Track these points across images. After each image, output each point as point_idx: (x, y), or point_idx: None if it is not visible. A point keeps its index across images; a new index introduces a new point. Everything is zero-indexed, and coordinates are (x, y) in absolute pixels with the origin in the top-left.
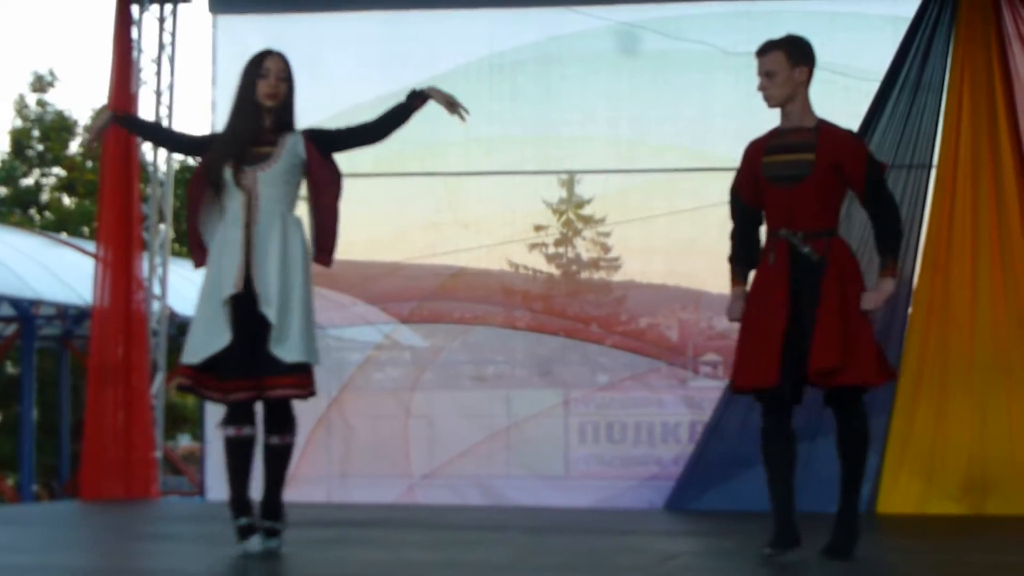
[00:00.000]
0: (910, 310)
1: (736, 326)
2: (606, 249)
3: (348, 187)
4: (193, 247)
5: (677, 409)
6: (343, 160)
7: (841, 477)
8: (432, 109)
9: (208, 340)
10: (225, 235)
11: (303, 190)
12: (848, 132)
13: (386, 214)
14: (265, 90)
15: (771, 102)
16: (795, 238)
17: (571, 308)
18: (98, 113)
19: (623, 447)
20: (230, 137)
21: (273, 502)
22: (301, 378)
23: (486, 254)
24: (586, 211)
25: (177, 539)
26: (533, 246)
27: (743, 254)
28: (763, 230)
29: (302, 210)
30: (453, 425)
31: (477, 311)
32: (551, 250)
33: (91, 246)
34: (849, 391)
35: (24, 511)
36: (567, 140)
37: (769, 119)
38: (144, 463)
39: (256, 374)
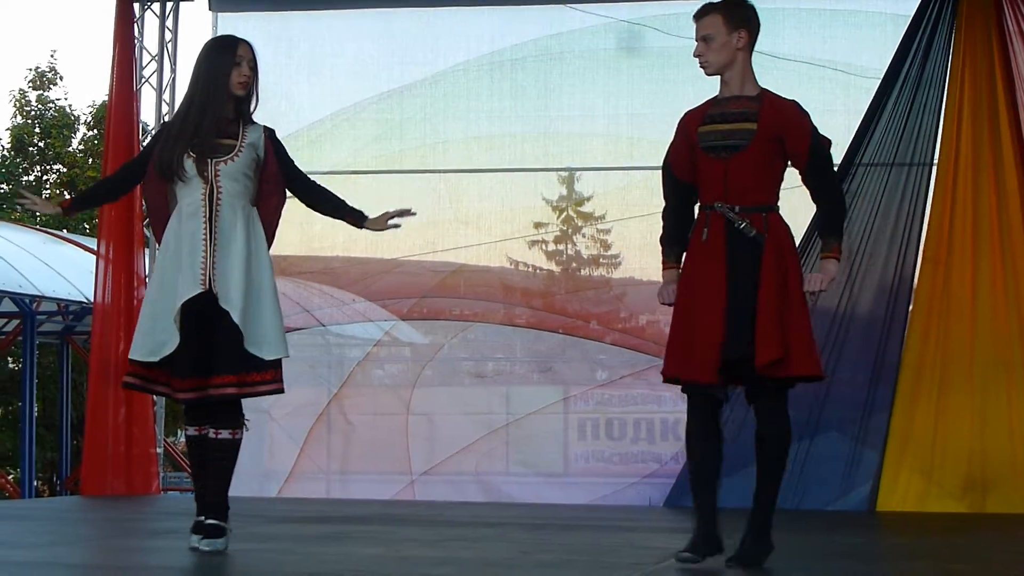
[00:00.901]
0: (911, 307)
1: None
2: (606, 246)
3: (349, 184)
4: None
5: (676, 406)
6: (345, 157)
7: (759, 479)
8: (434, 104)
9: (162, 337)
10: (182, 228)
11: None
12: (792, 102)
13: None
14: (238, 79)
15: (708, 69)
16: (731, 212)
17: (571, 305)
18: (48, 202)
19: (623, 444)
20: (193, 126)
21: (222, 499)
22: (276, 374)
23: (486, 251)
24: (586, 208)
25: (179, 535)
26: (533, 243)
27: (676, 234)
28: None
29: None
30: (453, 422)
31: (477, 308)
32: (551, 247)
33: (92, 242)
34: (778, 385)
35: (25, 507)
36: (567, 137)
37: None
38: (145, 459)
39: (209, 373)
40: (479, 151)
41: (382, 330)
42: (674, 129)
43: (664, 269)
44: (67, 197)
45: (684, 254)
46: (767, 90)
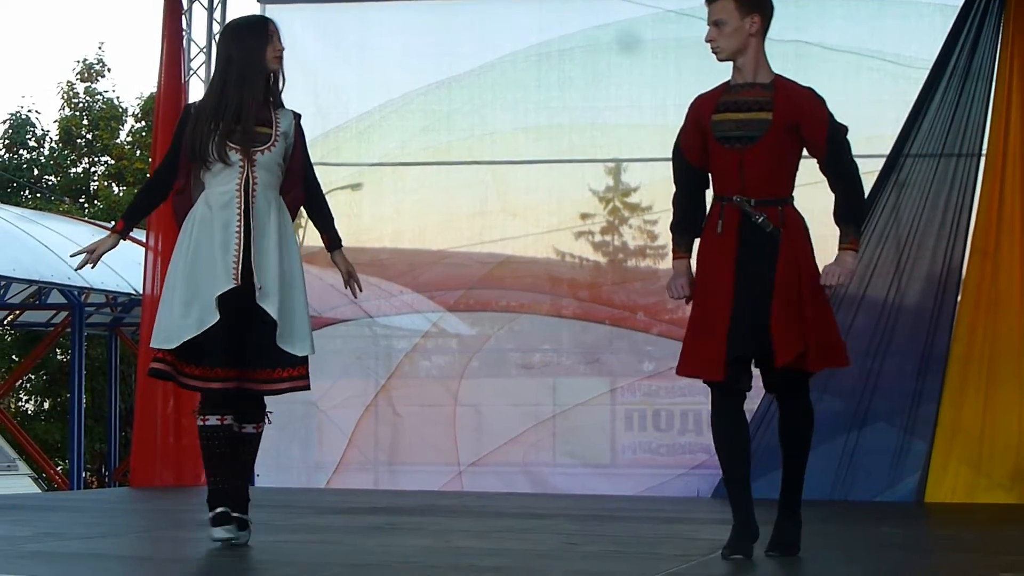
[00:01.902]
0: (959, 298)
1: None
2: (652, 237)
3: (396, 176)
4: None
5: None
6: (393, 148)
7: (785, 468)
8: (482, 95)
9: (187, 323)
10: (214, 218)
11: None
12: (808, 89)
13: (434, 203)
14: (273, 52)
15: (720, 55)
16: (748, 206)
17: (618, 296)
18: (104, 239)
19: (670, 435)
20: (234, 110)
21: (245, 494)
22: (304, 370)
23: (533, 242)
24: (632, 199)
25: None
26: (580, 234)
27: (689, 222)
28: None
29: None
30: (500, 413)
31: (524, 299)
32: (598, 238)
33: (141, 234)
34: (801, 375)
35: (74, 498)
36: (614, 128)
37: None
38: (194, 450)
39: (242, 364)
40: (526, 142)
41: (429, 321)
42: None
43: (675, 259)
44: (115, 224)
45: (698, 243)
46: (781, 76)
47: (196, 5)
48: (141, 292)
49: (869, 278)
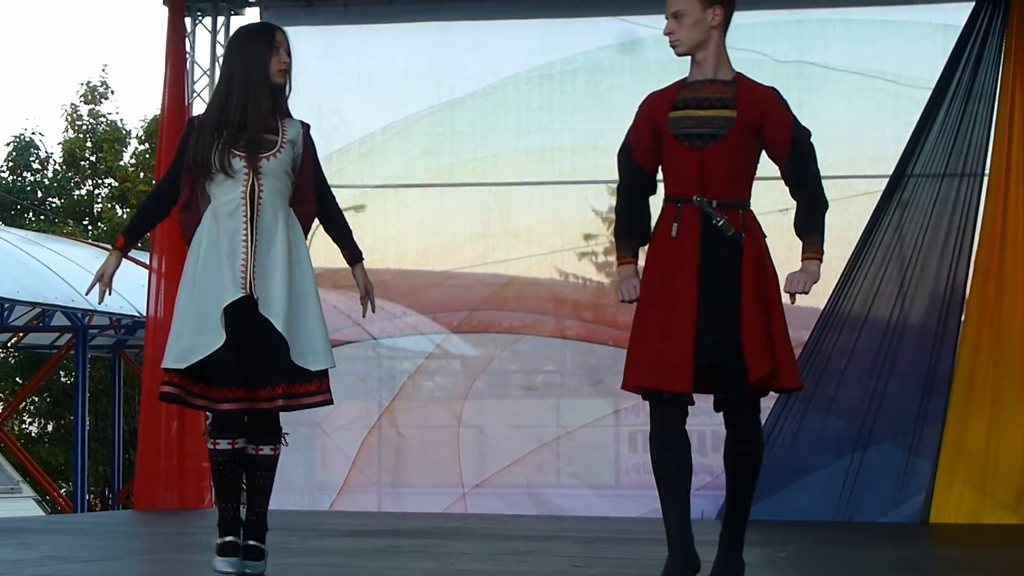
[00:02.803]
0: (962, 318)
1: None
2: None
3: (400, 198)
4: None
5: None
6: (396, 170)
7: (730, 496)
8: (485, 117)
9: (197, 342)
10: (220, 228)
11: None
12: (771, 89)
13: (437, 224)
14: (278, 65)
15: (679, 48)
16: (709, 207)
17: (621, 317)
18: (108, 260)
19: None
20: (236, 119)
21: (263, 520)
22: (323, 384)
23: (536, 263)
24: None
25: None
26: (583, 255)
27: (635, 227)
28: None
29: None
30: (504, 434)
31: (527, 320)
32: (601, 259)
33: (144, 256)
34: (752, 397)
35: (78, 521)
36: (616, 149)
37: (823, 130)
38: (197, 472)
39: (250, 383)
40: (529, 164)
41: (433, 343)
42: None
43: (620, 264)
44: (117, 240)
45: (645, 248)
46: (742, 74)
47: (200, 27)
48: (144, 314)
49: (873, 298)
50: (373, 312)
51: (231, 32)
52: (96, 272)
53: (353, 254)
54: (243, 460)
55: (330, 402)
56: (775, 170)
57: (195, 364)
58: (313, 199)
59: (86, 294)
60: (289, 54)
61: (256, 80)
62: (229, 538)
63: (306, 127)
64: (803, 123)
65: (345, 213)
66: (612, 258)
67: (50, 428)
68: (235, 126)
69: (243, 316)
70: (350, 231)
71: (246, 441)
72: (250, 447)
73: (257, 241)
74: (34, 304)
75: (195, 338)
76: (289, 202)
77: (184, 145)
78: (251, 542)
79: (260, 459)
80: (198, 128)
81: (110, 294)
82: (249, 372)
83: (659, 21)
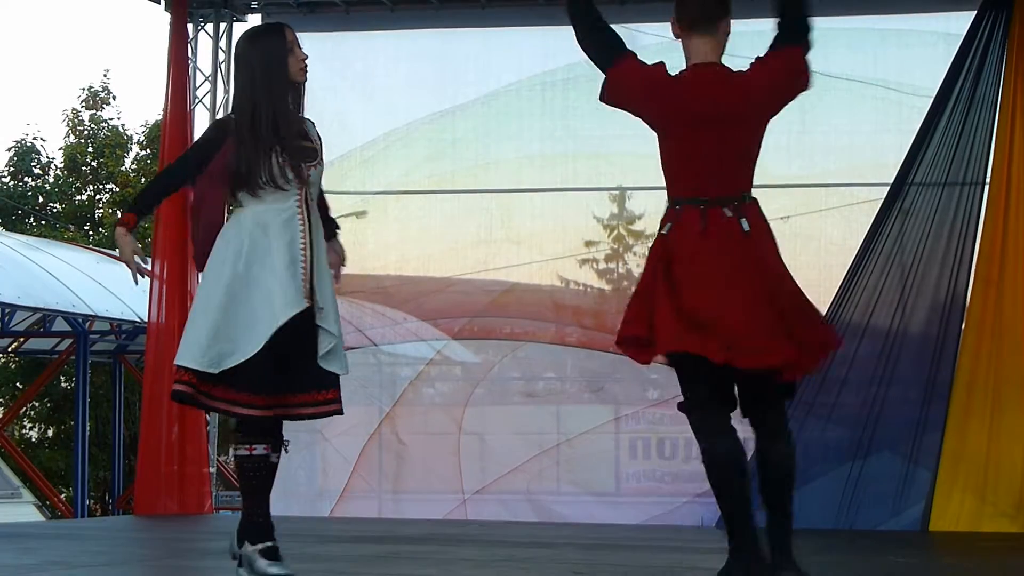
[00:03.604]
0: (963, 326)
1: None
2: None
3: (401, 204)
4: (200, 254)
5: None
6: (397, 177)
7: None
8: (486, 124)
9: (229, 347)
10: (270, 237)
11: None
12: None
13: (439, 231)
14: (297, 64)
15: None
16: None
17: None
18: (122, 244)
19: (674, 463)
20: (270, 128)
21: (270, 521)
22: (339, 393)
23: (537, 270)
24: (637, 226)
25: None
26: (584, 262)
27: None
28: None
29: None
30: (504, 441)
31: (528, 327)
32: (602, 265)
33: (146, 262)
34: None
35: (78, 526)
36: (618, 156)
37: (825, 139)
38: (198, 478)
39: (284, 390)
40: (531, 170)
41: (434, 349)
42: None
43: None
44: (124, 219)
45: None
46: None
47: (202, 33)
48: (145, 320)
49: (874, 306)
50: (338, 283)
51: (234, 38)
52: (125, 257)
53: (330, 229)
54: (272, 466)
55: (341, 412)
56: (774, 177)
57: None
58: (323, 197)
59: (136, 284)
60: (303, 51)
61: (279, 82)
62: (271, 543)
63: (314, 125)
64: (805, 132)
65: (347, 219)
66: (613, 264)
67: (50, 433)
68: (271, 134)
69: (287, 324)
70: (328, 207)
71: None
72: (272, 454)
73: (315, 252)
74: (35, 309)
75: (233, 344)
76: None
77: (209, 142)
78: (271, 543)
79: (273, 465)
80: (237, 136)
81: (143, 276)
82: (280, 379)
83: (660, 28)
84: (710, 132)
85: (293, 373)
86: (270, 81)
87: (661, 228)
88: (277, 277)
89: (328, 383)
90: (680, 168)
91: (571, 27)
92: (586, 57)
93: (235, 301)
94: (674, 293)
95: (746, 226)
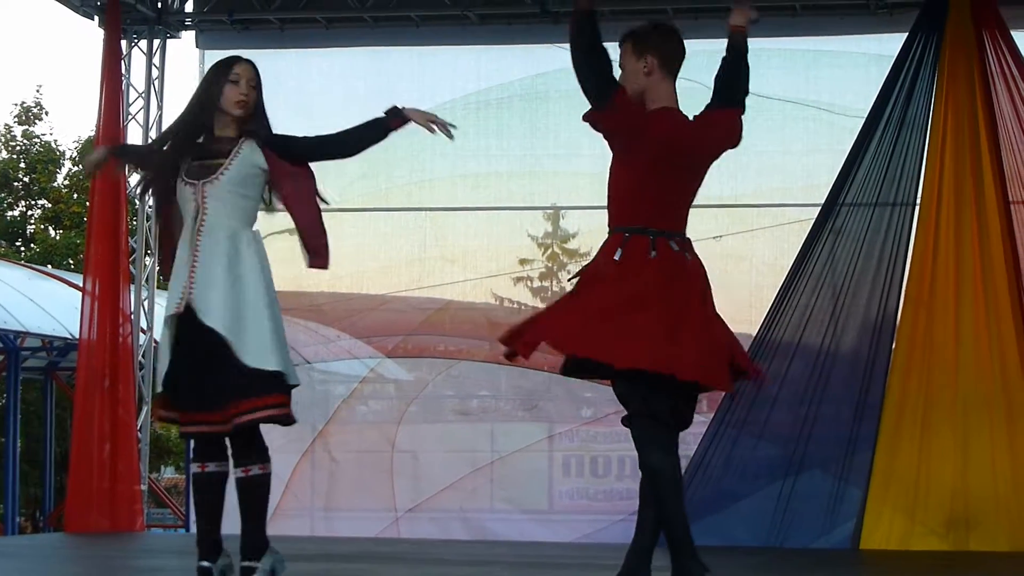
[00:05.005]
0: (893, 346)
1: None
2: None
3: (335, 221)
4: (165, 259)
5: None
6: (331, 194)
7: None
8: (421, 142)
9: (162, 365)
10: (179, 253)
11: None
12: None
13: (372, 248)
14: (235, 97)
15: None
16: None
17: None
18: (90, 151)
19: (607, 481)
20: (178, 148)
21: (252, 539)
22: (277, 398)
23: (472, 288)
24: (571, 245)
25: (164, 572)
26: (518, 280)
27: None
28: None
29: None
30: (437, 459)
31: (462, 345)
32: (536, 283)
33: (77, 279)
34: None
35: (8, 543)
36: (552, 175)
37: (758, 159)
38: (130, 496)
39: (219, 406)
40: (465, 189)
41: (367, 367)
42: None
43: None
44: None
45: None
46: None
47: (135, 50)
48: (77, 336)
49: (805, 325)
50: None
51: (168, 55)
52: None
53: (389, 113)
54: (219, 483)
55: (291, 421)
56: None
57: (173, 388)
58: (302, 193)
59: (86, 175)
60: (253, 85)
61: (201, 111)
62: (204, 563)
63: (266, 138)
64: (737, 152)
65: (280, 236)
66: (547, 283)
67: None
68: (172, 154)
69: (200, 338)
70: (357, 128)
71: (225, 464)
72: (238, 470)
73: (199, 263)
74: None
75: (162, 361)
76: (248, 221)
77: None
78: (244, 563)
79: (246, 480)
80: (168, 144)
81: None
82: (214, 393)
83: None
84: (674, 171)
85: (212, 387)
86: (195, 109)
87: (611, 254)
88: (171, 290)
89: (259, 389)
90: (637, 200)
91: (505, 47)
92: (520, 77)
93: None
94: (638, 311)
95: (689, 259)
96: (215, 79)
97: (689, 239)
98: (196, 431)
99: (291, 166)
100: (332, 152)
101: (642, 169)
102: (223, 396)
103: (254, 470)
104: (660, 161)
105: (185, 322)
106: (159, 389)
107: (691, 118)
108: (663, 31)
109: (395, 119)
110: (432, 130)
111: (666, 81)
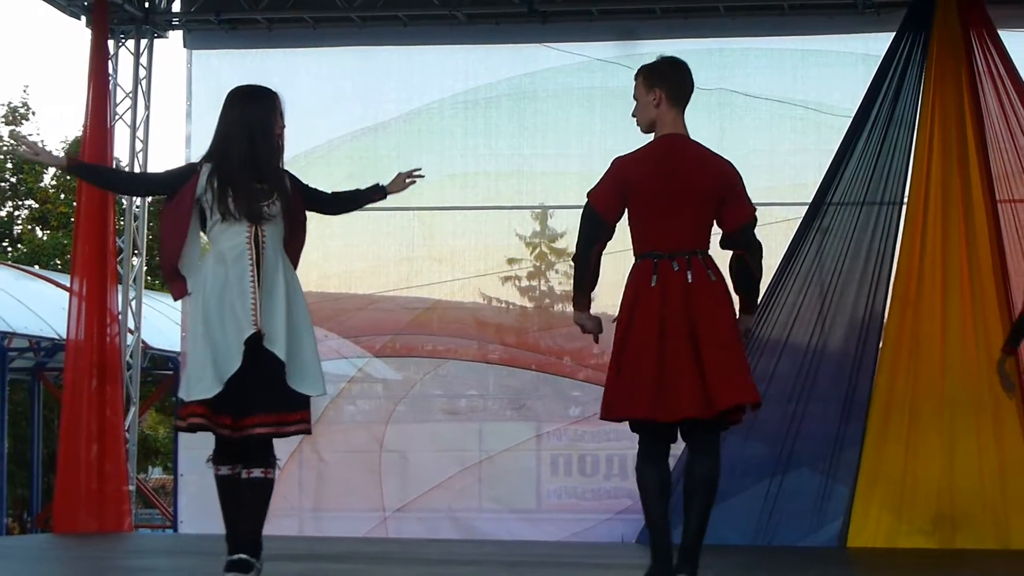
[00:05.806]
0: (880, 344)
1: None
2: None
3: (323, 221)
4: (172, 278)
5: None
6: None
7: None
8: (409, 142)
9: (217, 372)
10: (228, 272)
11: None
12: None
13: (361, 248)
14: (280, 131)
15: (640, 128)
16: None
17: (544, 341)
18: (50, 154)
19: (595, 480)
20: (246, 168)
21: (255, 538)
22: (306, 415)
23: (460, 287)
24: (559, 244)
25: (153, 572)
26: (506, 279)
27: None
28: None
29: None
30: (426, 458)
31: (450, 344)
32: (524, 283)
33: (64, 279)
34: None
35: None
36: (540, 175)
37: (745, 158)
38: (117, 496)
39: (245, 411)
40: (453, 189)
41: (355, 367)
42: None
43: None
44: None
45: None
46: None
47: (123, 50)
48: (64, 337)
49: (792, 323)
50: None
51: (155, 55)
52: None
53: (378, 192)
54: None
55: (308, 432)
56: None
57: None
58: (301, 235)
59: (19, 152)
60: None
61: (267, 137)
62: (234, 556)
63: (290, 175)
64: (724, 151)
65: None
66: (535, 282)
67: None
68: (244, 176)
69: (251, 352)
70: (355, 192)
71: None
72: (242, 471)
73: (263, 283)
74: None
75: (215, 369)
76: (285, 244)
77: (174, 173)
78: (237, 555)
79: (245, 482)
80: (208, 174)
81: (23, 147)
82: (246, 401)
83: (581, 48)
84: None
85: (256, 395)
86: (259, 133)
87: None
88: (234, 308)
89: (295, 404)
90: (639, 229)
91: (493, 47)
92: (508, 76)
93: (211, 330)
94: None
95: (690, 278)
96: (268, 109)
97: (700, 256)
98: (231, 434)
99: (301, 216)
100: (334, 209)
101: (634, 210)
102: (264, 407)
103: (271, 473)
104: (650, 194)
105: (252, 340)
106: (211, 392)
107: (696, 149)
108: (672, 66)
109: (378, 193)
110: (412, 182)
111: (673, 111)
